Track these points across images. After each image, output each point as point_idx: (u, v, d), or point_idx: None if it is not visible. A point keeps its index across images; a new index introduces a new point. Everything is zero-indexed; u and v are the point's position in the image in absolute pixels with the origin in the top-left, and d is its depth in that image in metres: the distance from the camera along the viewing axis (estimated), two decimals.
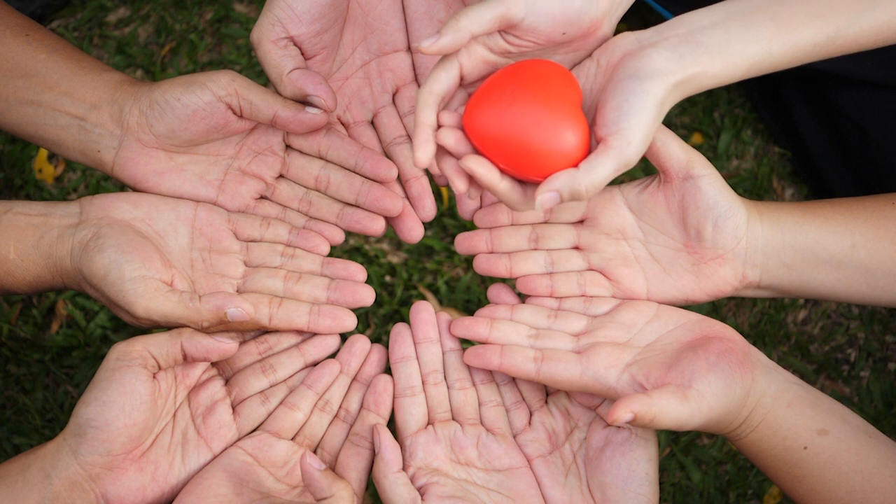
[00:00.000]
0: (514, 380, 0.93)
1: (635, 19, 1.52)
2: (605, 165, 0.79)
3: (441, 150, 0.83)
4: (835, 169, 1.39)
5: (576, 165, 0.80)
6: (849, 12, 0.80)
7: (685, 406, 0.82)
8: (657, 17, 1.39)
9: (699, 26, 0.81)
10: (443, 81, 0.82)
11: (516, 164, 0.81)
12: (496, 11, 0.80)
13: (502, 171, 0.82)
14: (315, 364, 0.93)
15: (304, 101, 0.91)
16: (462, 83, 0.84)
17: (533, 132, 0.80)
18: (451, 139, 0.82)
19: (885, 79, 1.29)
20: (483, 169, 0.81)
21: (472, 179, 0.83)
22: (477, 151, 0.82)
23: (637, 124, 0.78)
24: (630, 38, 0.83)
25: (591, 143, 0.81)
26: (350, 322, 0.93)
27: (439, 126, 0.82)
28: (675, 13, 1.35)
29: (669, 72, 0.79)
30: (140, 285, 0.86)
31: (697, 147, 1.48)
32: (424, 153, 0.81)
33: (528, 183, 0.83)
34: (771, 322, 1.41)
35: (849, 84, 1.33)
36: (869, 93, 1.31)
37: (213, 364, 0.92)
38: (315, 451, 0.91)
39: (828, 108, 1.36)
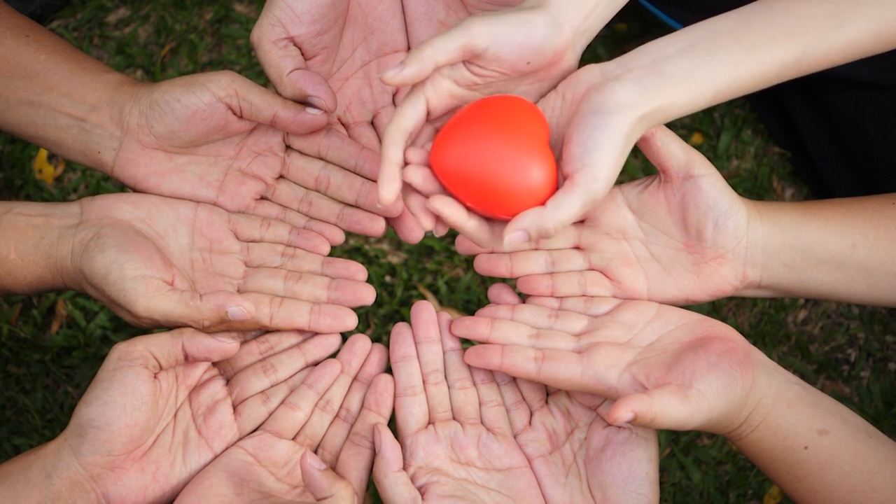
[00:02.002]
0: (514, 380, 0.93)
1: (635, 20, 1.52)
2: (572, 202, 0.79)
3: (408, 187, 0.83)
4: (834, 169, 1.39)
5: (543, 202, 0.80)
6: (816, 32, 0.80)
7: (686, 406, 0.82)
8: (654, 18, 1.39)
9: (663, 56, 0.81)
10: (409, 117, 0.82)
11: (483, 202, 0.81)
12: (460, 41, 0.80)
13: (469, 209, 0.82)
14: (316, 364, 0.93)
15: (304, 102, 0.91)
16: (429, 118, 0.84)
17: (500, 170, 0.80)
18: (418, 177, 0.82)
19: (884, 80, 1.29)
20: (450, 209, 0.81)
21: (438, 217, 0.83)
22: (444, 188, 0.82)
23: (602, 160, 0.79)
24: (594, 70, 0.83)
25: (559, 179, 0.82)
26: (351, 321, 0.93)
27: (406, 163, 0.82)
28: (674, 16, 1.36)
29: (634, 105, 0.79)
30: (141, 284, 0.86)
31: (697, 147, 1.48)
32: (389, 191, 0.81)
33: (496, 220, 0.83)
34: (771, 322, 1.41)
35: (848, 86, 1.33)
36: (868, 94, 1.31)
37: (214, 364, 0.92)
38: (316, 451, 0.91)
39: (827, 110, 1.36)
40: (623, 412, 0.80)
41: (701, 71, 0.80)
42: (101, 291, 0.87)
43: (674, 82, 0.80)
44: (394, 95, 0.99)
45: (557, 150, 0.84)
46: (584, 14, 0.82)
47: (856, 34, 0.80)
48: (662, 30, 1.49)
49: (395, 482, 0.85)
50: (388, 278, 1.43)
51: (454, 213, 0.81)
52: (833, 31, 0.80)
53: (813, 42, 0.80)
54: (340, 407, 0.92)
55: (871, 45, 0.81)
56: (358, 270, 0.95)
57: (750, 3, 0.82)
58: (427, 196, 0.83)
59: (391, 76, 0.80)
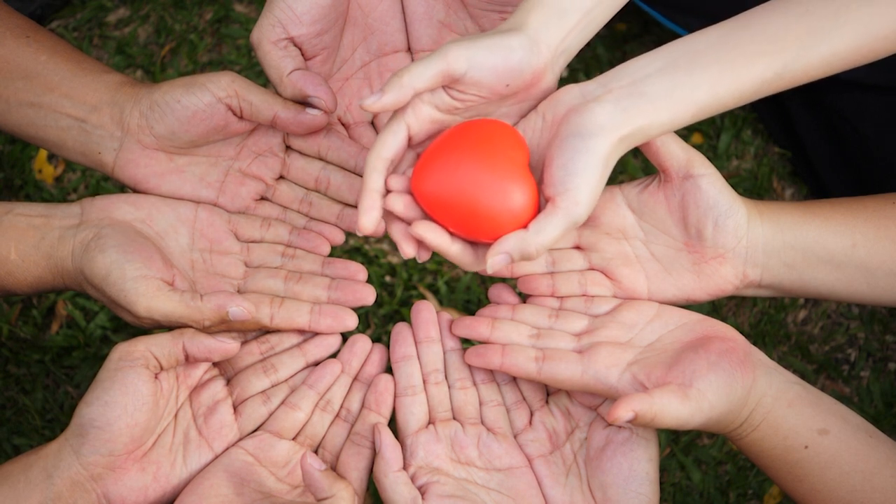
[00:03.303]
0: (514, 379, 0.93)
1: (636, 19, 1.52)
2: (554, 226, 0.80)
3: (390, 213, 0.84)
4: (833, 170, 1.39)
5: (525, 224, 0.81)
6: (795, 47, 0.80)
7: (686, 405, 0.82)
8: (654, 18, 1.39)
9: (643, 75, 0.81)
10: (390, 145, 0.83)
11: (465, 227, 0.82)
12: (438, 67, 0.80)
13: (452, 234, 0.83)
14: (316, 364, 0.93)
15: (304, 102, 0.91)
16: (410, 144, 0.85)
17: (481, 195, 0.81)
18: (400, 205, 0.83)
19: (883, 82, 1.29)
20: (433, 234, 0.82)
21: (421, 242, 0.84)
22: (426, 214, 0.83)
23: (584, 184, 0.79)
24: (574, 91, 0.83)
25: (540, 201, 0.83)
26: (351, 321, 0.93)
27: (388, 191, 0.83)
28: (676, 20, 1.36)
29: (613, 127, 0.80)
30: (141, 285, 0.86)
31: (697, 147, 1.48)
32: (369, 219, 0.82)
33: (479, 243, 0.84)
34: (771, 322, 1.41)
35: (847, 87, 1.33)
36: (866, 96, 1.32)
37: (215, 364, 0.92)
38: (316, 451, 0.91)
39: (827, 111, 1.36)
40: (623, 412, 0.80)
41: (680, 90, 0.80)
42: (101, 292, 0.87)
43: (653, 102, 0.80)
44: None
45: (538, 171, 0.84)
46: (562, 35, 0.83)
47: (836, 48, 0.80)
48: (662, 29, 1.49)
49: (395, 482, 0.85)
50: (388, 278, 1.43)
51: (437, 238, 0.82)
52: (813, 46, 0.80)
53: (793, 57, 0.80)
54: (341, 407, 0.92)
55: (851, 59, 0.81)
56: (358, 270, 0.95)
57: (730, 19, 0.82)
58: (410, 223, 0.83)
59: (370, 103, 0.81)
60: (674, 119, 0.81)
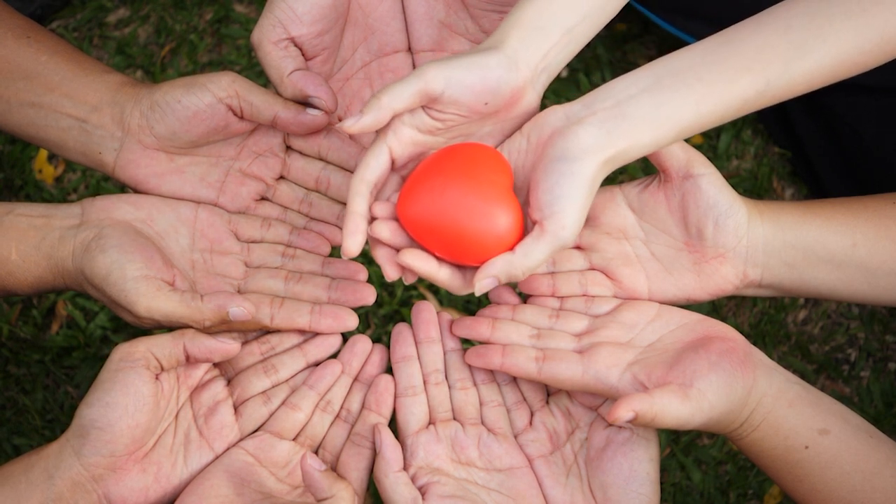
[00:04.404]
0: (515, 380, 0.93)
1: (636, 20, 1.52)
2: (541, 250, 0.81)
3: (374, 238, 0.84)
4: (832, 171, 1.39)
5: (511, 247, 0.82)
6: (778, 63, 0.80)
7: (686, 405, 0.82)
8: (654, 24, 1.39)
9: (626, 96, 0.81)
10: (373, 168, 0.84)
11: (452, 252, 0.83)
12: (416, 86, 0.81)
13: (439, 259, 0.84)
14: (317, 364, 0.93)
15: (304, 103, 0.91)
16: (394, 167, 0.85)
17: (466, 220, 0.82)
18: (386, 232, 0.84)
19: (882, 83, 1.29)
20: (420, 262, 0.83)
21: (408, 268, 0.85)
22: (412, 239, 0.84)
23: (570, 207, 0.80)
24: (559, 113, 0.84)
25: (526, 223, 0.83)
26: (352, 321, 0.93)
27: (373, 218, 0.84)
28: (672, 22, 1.36)
29: (598, 149, 0.80)
30: (142, 285, 0.86)
31: (697, 147, 1.48)
32: (353, 243, 0.82)
33: (466, 267, 0.85)
34: (771, 322, 1.41)
35: (845, 89, 1.33)
36: (865, 97, 1.32)
37: (215, 364, 0.92)
38: (316, 452, 0.91)
39: (825, 113, 1.36)
40: (624, 411, 0.81)
41: (663, 111, 0.81)
42: (102, 292, 0.87)
43: (636, 124, 0.81)
44: None
45: (523, 192, 0.85)
46: (542, 53, 0.83)
47: (820, 63, 0.81)
48: (662, 30, 1.49)
49: (395, 482, 0.85)
50: None
51: (425, 265, 0.83)
52: (796, 62, 0.80)
53: (777, 74, 0.81)
54: (341, 407, 0.92)
55: (833, 74, 0.81)
56: (358, 270, 0.95)
57: (713, 35, 0.83)
58: (397, 249, 0.84)
59: (349, 125, 0.81)
60: (656, 140, 0.81)
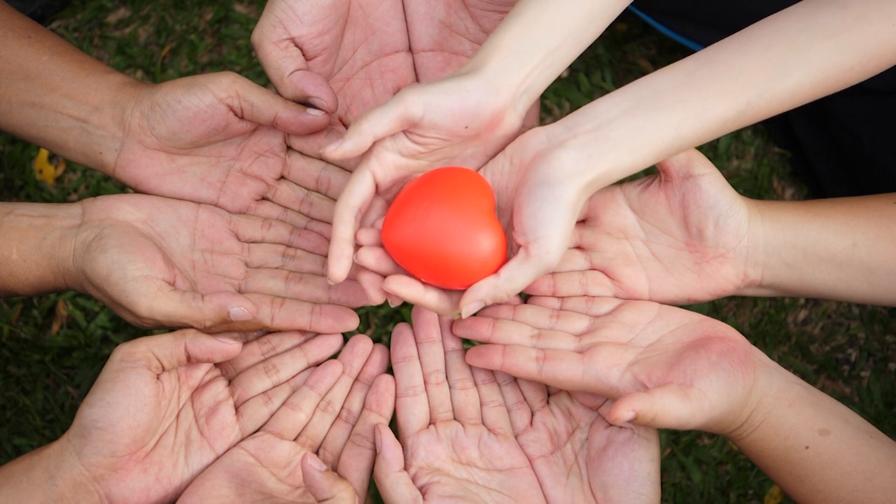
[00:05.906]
0: (515, 380, 0.93)
1: (636, 20, 1.52)
2: (526, 273, 0.82)
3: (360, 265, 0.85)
4: (831, 173, 1.39)
5: (495, 270, 0.83)
6: (759, 84, 0.81)
7: (687, 405, 0.82)
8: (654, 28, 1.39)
9: (607, 119, 0.82)
10: (357, 194, 0.84)
11: (437, 277, 0.84)
12: (396, 112, 0.82)
13: (425, 283, 0.85)
14: (317, 364, 0.94)
15: (305, 103, 0.91)
16: (378, 191, 0.86)
17: (450, 245, 0.83)
18: (372, 259, 0.85)
19: (879, 86, 1.29)
20: (407, 289, 0.84)
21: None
22: (397, 264, 0.85)
23: (554, 231, 0.81)
24: (541, 135, 0.84)
25: (509, 246, 0.85)
26: (352, 322, 0.93)
27: (358, 245, 0.85)
28: (669, 25, 1.36)
29: (579, 173, 0.81)
30: (143, 285, 0.86)
31: (697, 147, 1.48)
32: (339, 268, 0.83)
33: (452, 290, 0.86)
34: (771, 322, 1.41)
35: (843, 91, 1.33)
36: (862, 100, 1.32)
37: (216, 365, 0.92)
38: (317, 452, 0.91)
39: (823, 115, 1.36)
40: (624, 411, 0.81)
41: (643, 133, 0.81)
42: (102, 292, 0.87)
43: (617, 147, 0.81)
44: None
45: (507, 214, 0.86)
46: (522, 76, 0.83)
47: (800, 83, 0.81)
48: (661, 31, 1.49)
49: (396, 482, 0.85)
50: None
51: (412, 291, 0.84)
52: (777, 82, 0.81)
53: (756, 94, 0.81)
54: (342, 408, 0.93)
55: (816, 92, 0.82)
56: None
57: (694, 55, 0.83)
58: (383, 276, 0.85)
59: (331, 151, 0.82)
60: (637, 162, 0.82)
